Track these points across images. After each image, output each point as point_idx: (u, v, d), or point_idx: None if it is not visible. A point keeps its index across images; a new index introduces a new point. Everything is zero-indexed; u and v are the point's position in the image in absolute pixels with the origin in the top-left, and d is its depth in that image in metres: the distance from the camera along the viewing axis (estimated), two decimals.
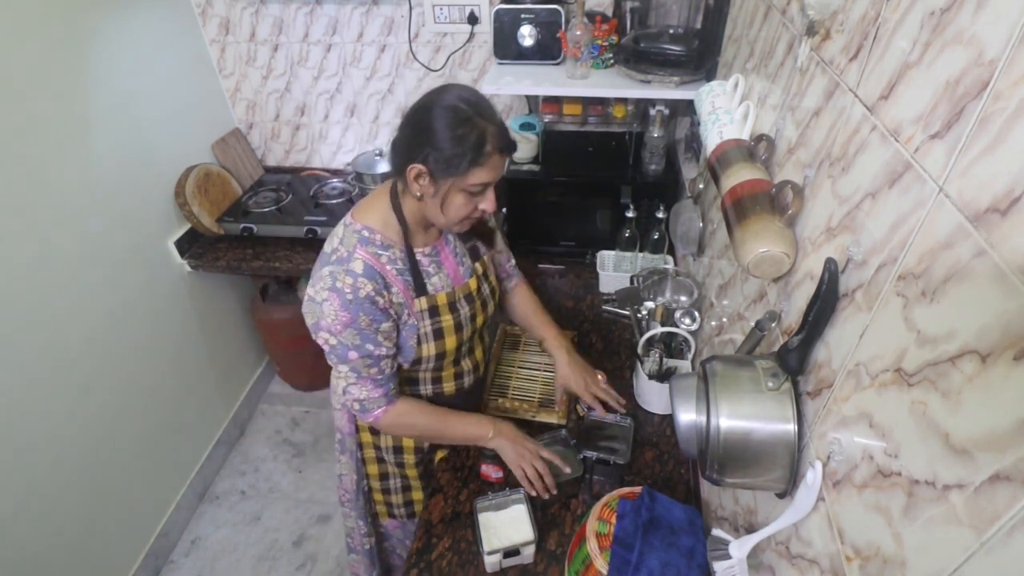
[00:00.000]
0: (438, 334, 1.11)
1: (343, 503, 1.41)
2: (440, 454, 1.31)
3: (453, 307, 1.11)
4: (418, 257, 1.08)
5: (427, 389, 1.21)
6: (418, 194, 0.99)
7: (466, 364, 1.23)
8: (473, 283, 1.16)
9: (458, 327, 1.13)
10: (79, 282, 1.60)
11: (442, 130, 0.92)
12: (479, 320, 1.19)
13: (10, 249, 1.41)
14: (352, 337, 1.01)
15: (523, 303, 1.37)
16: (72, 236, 1.57)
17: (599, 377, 1.29)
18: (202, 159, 2.06)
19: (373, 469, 1.33)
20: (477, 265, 1.18)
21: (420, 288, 1.07)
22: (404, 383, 1.19)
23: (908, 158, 0.51)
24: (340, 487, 1.39)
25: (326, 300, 0.98)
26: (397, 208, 1.04)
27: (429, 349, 1.11)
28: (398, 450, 1.28)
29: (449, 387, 1.22)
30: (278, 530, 2.08)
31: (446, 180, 0.95)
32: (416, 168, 0.95)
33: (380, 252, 1.02)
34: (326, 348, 1.04)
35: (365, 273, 0.99)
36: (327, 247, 1.04)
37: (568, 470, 1.16)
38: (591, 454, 1.19)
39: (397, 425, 1.14)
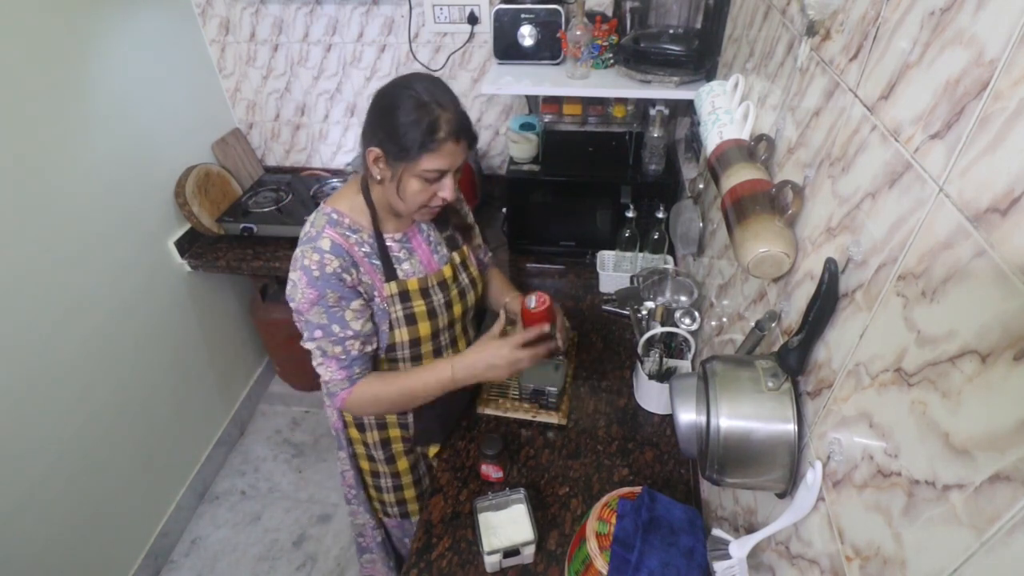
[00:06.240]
0: (410, 319, 1.11)
1: (349, 501, 1.41)
2: (433, 450, 1.31)
3: (426, 293, 1.12)
4: (388, 243, 1.09)
5: None
6: (378, 177, 1.01)
7: (448, 356, 1.22)
8: (448, 271, 1.16)
9: (431, 313, 1.13)
10: (79, 282, 1.60)
11: (398, 115, 0.94)
12: (457, 309, 1.19)
13: (10, 249, 1.41)
14: (319, 315, 1.02)
15: (494, 281, 1.38)
16: (72, 236, 1.57)
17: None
18: (202, 159, 2.06)
19: (365, 465, 1.34)
20: (455, 255, 1.18)
21: (390, 273, 1.08)
22: None
23: (908, 158, 0.51)
24: (344, 483, 1.39)
25: (298, 280, 1.01)
26: (366, 193, 1.07)
27: (402, 334, 1.12)
28: (385, 443, 1.28)
29: None
30: (278, 530, 2.08)
31: (399, 164, 0.97)
32: (373, 152, 0.98)
33: (348, 234, 1.04)
34: (300, 328, 1.06)
35: (332, 250, 1.01)
36: (302, 233, 1.07)
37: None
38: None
39: (362, 402, 1.11)
